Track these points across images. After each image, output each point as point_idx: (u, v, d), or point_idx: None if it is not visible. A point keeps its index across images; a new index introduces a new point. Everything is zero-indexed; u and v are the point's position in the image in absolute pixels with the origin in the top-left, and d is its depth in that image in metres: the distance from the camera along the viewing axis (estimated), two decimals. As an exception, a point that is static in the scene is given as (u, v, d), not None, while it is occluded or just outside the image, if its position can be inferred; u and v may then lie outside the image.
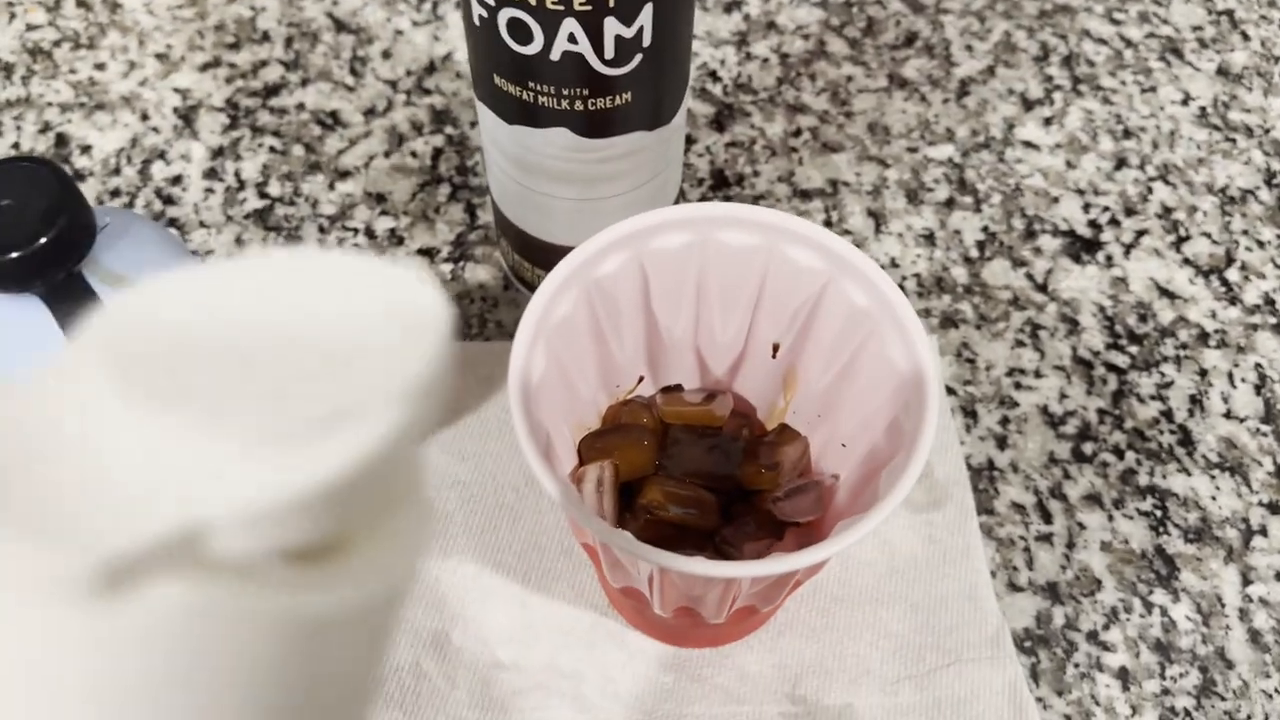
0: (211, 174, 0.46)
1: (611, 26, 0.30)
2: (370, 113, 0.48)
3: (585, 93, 0.32)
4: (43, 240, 0.27)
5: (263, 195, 0.46)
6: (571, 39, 0.30)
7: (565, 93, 0.32)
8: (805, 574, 0.30)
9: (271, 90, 0.49)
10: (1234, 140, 0.49)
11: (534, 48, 0.31)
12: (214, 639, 0.10)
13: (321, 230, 0.45)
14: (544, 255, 0.39)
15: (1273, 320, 0.44)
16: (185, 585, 0.10)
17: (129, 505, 0.10)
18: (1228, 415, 0.41)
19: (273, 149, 0.47)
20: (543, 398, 0.29)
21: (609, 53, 0.31)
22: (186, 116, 0.48)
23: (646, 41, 0.31)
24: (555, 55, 0.31)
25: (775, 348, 0.34)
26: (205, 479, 0.10)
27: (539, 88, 0.32)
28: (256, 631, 0.11)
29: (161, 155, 0.47)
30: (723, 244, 0.31)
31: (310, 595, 0.11)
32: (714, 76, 0.50)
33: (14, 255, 0.26)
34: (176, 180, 0.46)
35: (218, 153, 0.47)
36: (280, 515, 0.10)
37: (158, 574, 0.10)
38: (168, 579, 0.10)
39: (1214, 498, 0.39)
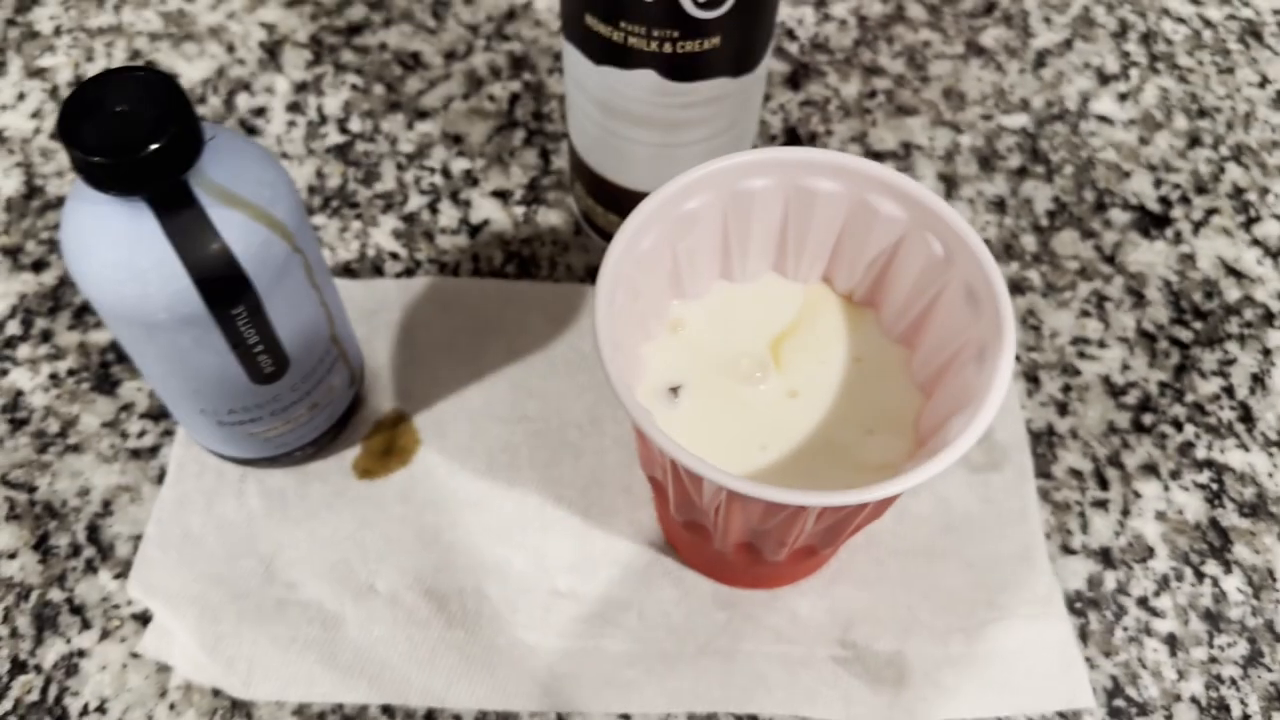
0: (294, 107, 0.47)
1: (708, -32, 0.31)
2: (450, 56, 0.49)
3: (675, 34, 0.33)
4: (153, 147, 0.27)
5: (344, 130, 0.47)
6: (668, -21, 0.31)
7: (655, 34, 0.33)
8: (866, 517, 0.30)
9: (355, 29, 0.50)
10: (1312, 124, 0.49)
11: (630, -14, 0.31)
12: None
13: (399, 168, 0.46)
14: (618, 200, 0.40)
15: (1341, 304, 0.44)
16: None
17: None
18: (1290, 395, 0.41)
19: (354, 86, 0.48)
20: (619, 329, 0.30)
21: (703, -5, 0.31)
22: (271, 50, 0.49)
23: (740, -14, 0.32)
24: (650, -5, 0.31)
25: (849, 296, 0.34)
26: None
27: (630, 28, 0.33)
28: None
29: (246, 87, 0.48)
30: (806, 189, 0.31)
31: None
32: (791, 35, 0.50)
33: (126, 159, 0.27)
34: (260, 112, 0.47)
35: (301, 87, 0.48)
36: None
37: None
38: None
39: (1271, 475, 0.39)
